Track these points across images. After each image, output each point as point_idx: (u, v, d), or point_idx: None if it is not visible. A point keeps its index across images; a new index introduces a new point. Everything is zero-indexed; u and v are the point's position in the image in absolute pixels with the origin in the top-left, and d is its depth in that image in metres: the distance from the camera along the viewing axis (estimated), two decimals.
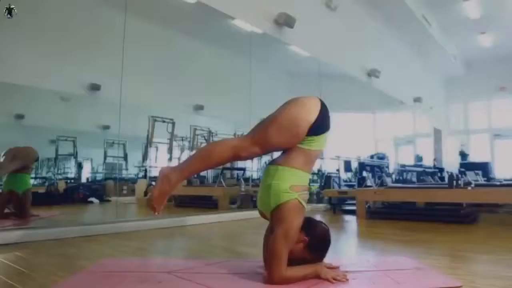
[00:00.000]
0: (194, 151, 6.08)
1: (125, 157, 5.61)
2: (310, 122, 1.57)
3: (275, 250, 1.49)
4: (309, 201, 6.21)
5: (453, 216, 3.77)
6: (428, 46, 8.97)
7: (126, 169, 5.71)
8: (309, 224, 1.61)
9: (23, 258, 2.09)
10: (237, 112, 5.93)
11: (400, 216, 4.03)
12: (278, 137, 1.57)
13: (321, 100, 1.66)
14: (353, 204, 4.61)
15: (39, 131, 4.52)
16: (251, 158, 1.66)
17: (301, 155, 1.60)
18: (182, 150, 6.13)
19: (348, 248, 2.73)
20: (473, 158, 10.56)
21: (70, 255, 2.20)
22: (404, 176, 7.02)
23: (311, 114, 1.58)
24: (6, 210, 3.44)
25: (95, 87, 4.35)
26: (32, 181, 4.37)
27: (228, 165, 5.40)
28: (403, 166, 7.69)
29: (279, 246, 1.48)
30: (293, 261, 1.56)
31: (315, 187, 6.29)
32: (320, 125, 1.60)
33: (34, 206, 3.59)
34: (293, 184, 1.57)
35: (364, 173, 6.07)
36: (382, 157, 7.77)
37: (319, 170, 7.06)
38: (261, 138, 1.59)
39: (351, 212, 4.72)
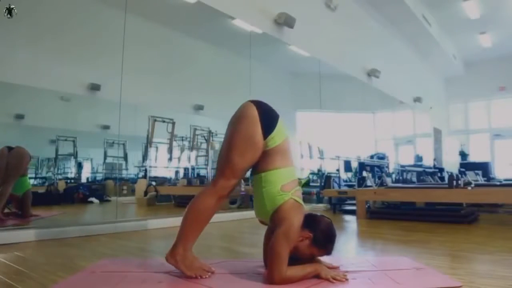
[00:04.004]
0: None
1: (125, 157, 5.61)
2: (259, 128, 1.61)
3: (276, 250, 1.49)
4: (309, 201, 6.13)
5: (453, 216, 3.77)
6: (428, 46, 8.97)
7: (126, 169, 5.71)
8: (311, 220, 1.62)
9: (23, 258, 2.09)
10: None
11: (400, 216, 4.03)
12: (244, 160, 1.61)
13: (252, 101, 1.69)
14: (353, 204, 4.61)
15: (39, 131, 4.52)
16: (234, 189, 1.69)
17: (274, 155, 1.63)
18: (182, 150, 6.13)
19: (348, 248, 2.72)
20: (473, 158, 10.57)
21: (70, 255, 2.20)
22: (404, 176, 7.02)
23: (255, 121, 1.61)
24: (6, 210, 3.44)
25: (95, 87, 4.35)
26: (32, 181, 4.37)
27: None
28: (403, 166, 7.68)
29: (280, 246, 1.49)
30: (301, 258, 1.58)
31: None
32: (268, 123, 1.63)
33: (34, 206, 3.59)
34: (282, 184, 1.60)
35: (364, 173, 6.07)
36: (382, 157, 7.77)
37: (319, 170, 7.06)
38: (231, 170, 1.62)
39: (351, 212, 4.72)
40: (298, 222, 1.56)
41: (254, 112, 1.63)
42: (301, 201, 1.63)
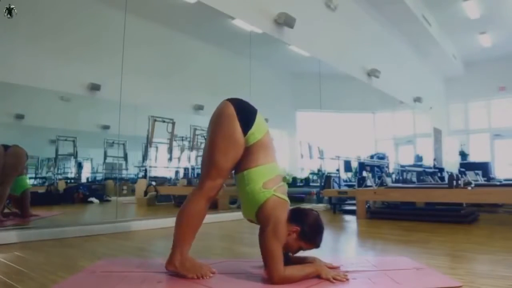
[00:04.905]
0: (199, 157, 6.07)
1: (125, 157, 5.61)
2: (237, 125, 1.61)
3: (268, 249, 1.50)
4: (309, 201, 6.10)
5: (453, 216, 3.77)
6: (428, 46, 8.97)
7: (126, 169, 5.72)
8: (298, 213, 1.62)
9: (23, 258, 2.09)
10: None
11: (400, 216, 4.03)
12: (227, 159, 1.62)
13: (229, 99, 1.70)
14: (353, 204, 4.61)
15: (39, 131, 4.53)
16: (221, 188, 1.70)
17: (255, 151, 1.64)
18: (182, 150, 6.13)
19: (348, 248, 2.73)
20: (473, 158, 10.57)
21: (70, 255, 2.20)
22: (404, 176, 7.02)
23: (233, 119, 1.62)
24: (6, 210, 3.43)
25: (95, 87, 4.35)
26: (32, 181, 4.37)
27: None
28: (403, 166, 7.68)
29: (271, 245, 1.50)
30: (290, 252, 1.60)
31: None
32: (246, 119, 1.64)
33: (34, 206, 3.59)
34: (264, 181, 1.60)
35: (364, 173, 6.07)
36: (382, 157, 7.77)
37: (319, 170, 7.06)
38: (216, 171, 1.63)
39: (351, 212, 4.71)
40: (284, 218, 1.57)
41: (231, 110, 1.64)
42: (284, 197, 1.63)
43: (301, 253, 1.70)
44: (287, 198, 1.65)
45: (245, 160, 1.64)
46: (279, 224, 1.53)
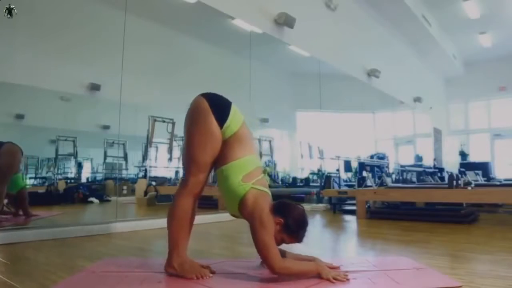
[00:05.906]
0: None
1: (125, 157, 5.61)
2: (212, 119, 1.62)
3: (260, 242, 1.50)
4: (309, 201, 6.11)
5: (453, 216, 3.77)
6: (428, 46, 8.97)
7: (126, 169, 5.71)
8: (282, 206, 1.63)
9: (23, 258, 2.09)
10: None
11: (400, 216, 4.03)
12: (205, 154, 1.63)
13: (202, 94, 1.72)
14: (353, 204, 4.61)
15: (39, 131, 4.52)
16: (206, 184, 1.69)
17: (233, 145, 1.64)
18: (182, 150, 6.12)
19: (348, 248, 2.73)
20: (473, 158, 10.57)
21: (70, 255, 2.20)
22: (404, 176, 7.01)
23: (207, 113, 1.63)
24: (5, 209, 3.42)
25: (95, 87, 4.35)
26: (32, 181, 4.37)
27: None
28: (403, 166, 7.68)
29: (261, 235, 1.50)
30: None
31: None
32: (221, 113, 1.65)
33: (34, 206, 3.58)
34: (243, 174, 1.61)
35: (364, 173, 6.07)
36: (382, 157, 7.77)
37: (319, 170, 7.06)
38: (196, 167, 1.64)
39: (351, 212, 4.72)
40: (267, 209, 1.57)
41: (204, 105, 1.65)
42: (264, 189, 1.63)
43: (299, 253, 1.70)
44: (267, 190, 1.65)
45: (223, 155, 1.64)
46: (263, 215, 1.54)
